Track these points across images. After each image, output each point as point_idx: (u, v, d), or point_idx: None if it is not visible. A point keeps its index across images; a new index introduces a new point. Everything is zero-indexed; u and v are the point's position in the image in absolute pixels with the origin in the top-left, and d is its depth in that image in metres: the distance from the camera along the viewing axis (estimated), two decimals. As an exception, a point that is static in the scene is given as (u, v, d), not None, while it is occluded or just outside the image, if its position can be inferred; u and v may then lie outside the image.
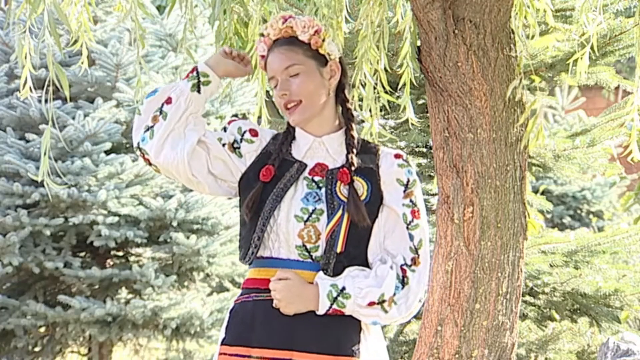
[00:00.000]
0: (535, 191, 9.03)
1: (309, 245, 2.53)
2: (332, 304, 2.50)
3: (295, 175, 2.58)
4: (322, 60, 2.61)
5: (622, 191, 10.73)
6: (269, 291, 2.53)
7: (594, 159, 4.35)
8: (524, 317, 4.54)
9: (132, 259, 6.71)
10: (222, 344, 2.56)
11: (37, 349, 6.59)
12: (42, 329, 6.55)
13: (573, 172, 4.43)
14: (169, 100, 2.59)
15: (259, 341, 2.51)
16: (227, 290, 7.08)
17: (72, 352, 6.95)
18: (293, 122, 2.60)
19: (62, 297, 6.15)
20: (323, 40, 2.61)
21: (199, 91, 2.60)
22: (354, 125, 2.65)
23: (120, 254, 6.76)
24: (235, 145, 2.64)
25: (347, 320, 2.54)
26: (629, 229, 4.65)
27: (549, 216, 9.70)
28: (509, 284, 3.47)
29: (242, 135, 2.65)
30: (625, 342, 3.98)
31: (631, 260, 5.06)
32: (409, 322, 4.57)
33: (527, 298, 4.56)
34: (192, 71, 2.62)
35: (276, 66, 2.58)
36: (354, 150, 2.60)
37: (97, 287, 6.44)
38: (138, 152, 2.64)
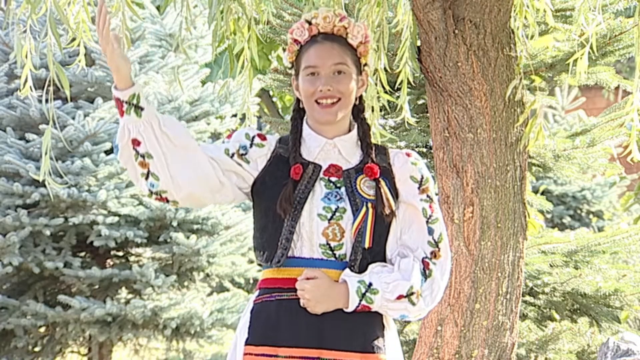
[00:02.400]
0: (535, 191, 9.02)
1: (333, 244, 2.55)
2: (360, 300, 2.52)
3: (312, 176, 2.60)
4: (359, 68, 2.65)
5: (622, 191, 10.72)
6: (293, 290, 2.54)
7: (594, 159, 4.35)
8: (524, 317, 4.54)
9: (132, 259, 6.70)
10: (246, 344, 2.57)
11: (37, 349, 6.59)
12: (42, 329, 6.54)
13: (573, 172, 4.43)
14: (136, 143, 2.56)
15: (286, 340, 2.52)
16: (227, 290, 7.07)
17: (72, 352, 6.94)
18: (328, 116, 2.60)
19: (62, 297, 6.15)
20: (367, 51, 2.66)
21: (142, 109, 2.56)
22: (368, 131, 2.69)
23: (120, 254, 6.76)
24: (242, 151, 2.64)
25: (372, 317, 2.57)
26: (629, 229, 4.65)
27: (549, 216, 9.70)
28: (509, 284, 3.47)
29: (252, 141, 2.65)
30: (625, 342, 3.97)
31: (631, 260, 5.06)
32: (408, 322, 4.56)
33: (527, 298, 4.56)
34: (120, 107, 2.56)
35: (325, 58, 2.59)
36: (372, 148, 2.64)
37: (97, 287, 6.44)
38: (154, 197, 2.60)
